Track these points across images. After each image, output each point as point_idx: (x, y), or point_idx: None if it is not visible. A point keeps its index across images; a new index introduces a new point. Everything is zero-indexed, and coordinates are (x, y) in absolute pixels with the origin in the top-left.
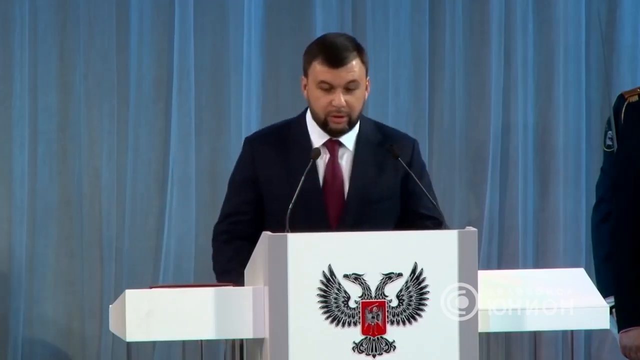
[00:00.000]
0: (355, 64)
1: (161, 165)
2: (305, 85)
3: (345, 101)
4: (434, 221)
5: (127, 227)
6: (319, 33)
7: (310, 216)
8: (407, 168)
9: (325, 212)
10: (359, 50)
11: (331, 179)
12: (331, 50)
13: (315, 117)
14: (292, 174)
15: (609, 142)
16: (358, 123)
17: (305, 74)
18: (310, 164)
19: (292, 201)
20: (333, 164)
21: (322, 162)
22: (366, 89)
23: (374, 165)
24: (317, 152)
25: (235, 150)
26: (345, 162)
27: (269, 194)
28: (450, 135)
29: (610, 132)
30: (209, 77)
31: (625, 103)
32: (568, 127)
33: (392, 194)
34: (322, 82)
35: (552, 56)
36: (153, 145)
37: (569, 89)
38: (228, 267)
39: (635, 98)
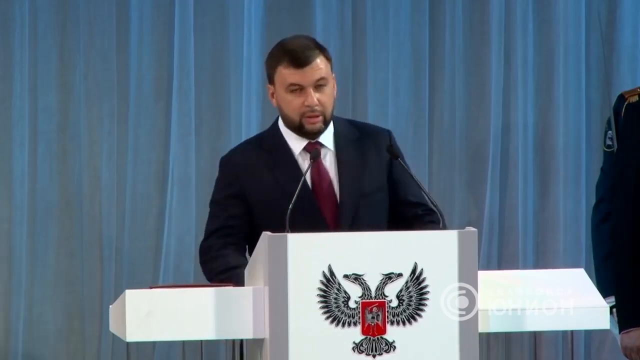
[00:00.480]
0: (320, 61)
1: (161, 165)
2: (272, 94)
3: (317, 99)
4: (423, 208)
5: (127, 227)
6: (319, 33)
7: (306, 221)
8: (405, 166)
9: (321, 214)
10: (321, 48)
11: (318, 181)
12: (294, 52)
13: (289, 123)
14: (280, 181)
15: (609, 142)
16: (332, 123)
17: (272, 82)
18: (310, 164)
19: (292, 201)
20: (318, 166)
21: (305, 166)
22: (334, 86)
23: (357, 160)
24: (317, 153)
25: None
26: (328, 162)
27: (260, 205)
28: (450, 135)
29: (610, 132)
30: (209, 77)
31: (625, 103)
32: (568, 127)
33: (381, 185)
34: (291, 84)
35: (552, 56)
36: (153, 145)
37: (569, 89)
38: (229, 265)
39: (636, 98)
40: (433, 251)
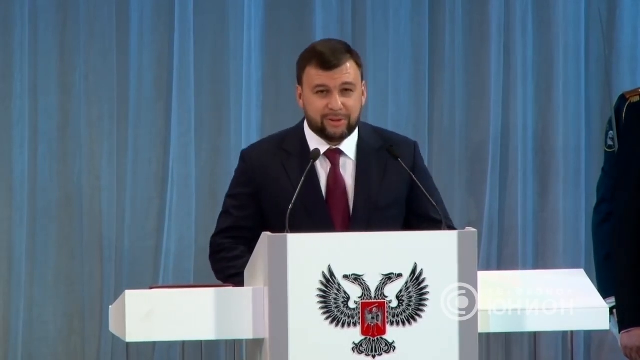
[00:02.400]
0: (349, 66)
1: (161, 165)
2: (300, 95)
3: (343, 103)
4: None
5: (127, 227)
6: (319, 33)
7: (315, 227)
8: (410, 172)
9: (331, 222)
10: (352, 54)
11: (334, 188)
12: (324, 53)
13: (312, 125)
14: (294, 184)
15: (610, 142)
16: (357, 130)
17: (300, 82)
18: (310, 164)
19: (292, 201)
20: (335, 174)
21: (323, 172)
22: (363, 93)
23: (377, 172)
24: (317, 153)
25: (235, 150)
26: (347, 171)
27: (273, 206)
28: (450, 136)
29: (611, 132)
30: (208, 77)
31: (627, 103)
32: (568, 127)
33: (398, 200)
34: (318, 85)
35: (552, 56)
36: (153, 145)
37: (569, 89)
38: (241, 270)
39: (637, 98)
40: (433, 251)
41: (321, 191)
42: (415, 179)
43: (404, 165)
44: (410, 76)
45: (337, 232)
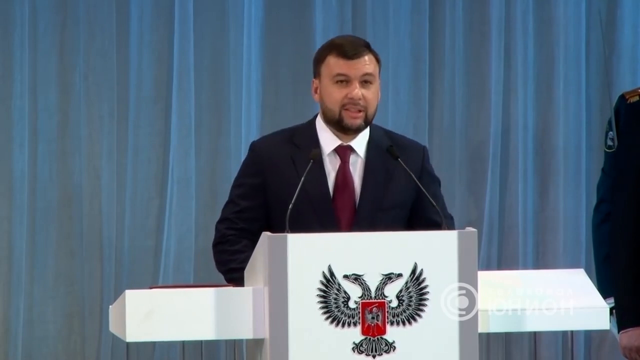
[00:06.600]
0: (369, 58)
1: (161, 165)
2: (316, 88)
3: (362, 95)
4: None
5: (127, 227)
6: (319, 33)
7: (320, 223)
8: (412, 174)
9: (336, 219)
10: (371, 49)
11: (342, 185)
12: (345, 44)
13: (328, 116)
14: (301, 179)
15: (609, 143)
16: (368, 129)
17: (317, 75)
18: (310, 164)
19: (292, 201)
20: (344, 171)
21: (332, 169)
22: (379, 88)
23: (384, 173)
24: (317, 153)
25: (235, 150)
26: (356, 168)
27: (278, 200)
28: (450, 136)
29: (611, 132)
30: (209, 77)
31: (626, 103)
32: (568, 127)
33: (403, 202)
34: (338, 74)
35: (552, 56)
36: (153, 145)
37: (569, 89)
38: (243, 266)
39: (636, 98)
40: (433, 251)
41: (328, 188)
42: (418, 182)
43: (404, 165)
44: (410, 76)
45: (342, 230)
